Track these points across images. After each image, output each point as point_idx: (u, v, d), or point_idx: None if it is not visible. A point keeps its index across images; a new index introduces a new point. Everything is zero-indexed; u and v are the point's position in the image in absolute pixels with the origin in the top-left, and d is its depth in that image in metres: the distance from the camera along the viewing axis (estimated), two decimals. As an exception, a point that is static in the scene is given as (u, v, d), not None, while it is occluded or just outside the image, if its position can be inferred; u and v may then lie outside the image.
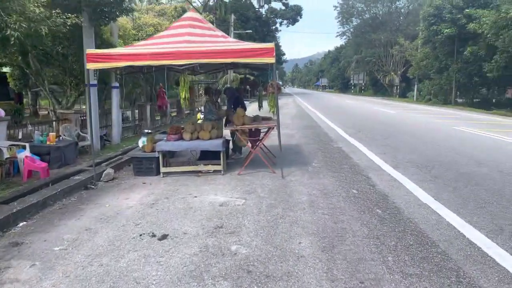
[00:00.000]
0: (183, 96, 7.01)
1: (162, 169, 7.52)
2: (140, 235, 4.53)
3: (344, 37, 73.61)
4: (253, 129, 7.60)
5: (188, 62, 6.72)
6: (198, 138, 7.74)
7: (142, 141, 8.09)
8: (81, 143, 10.42)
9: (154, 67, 7.23)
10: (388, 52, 55.24)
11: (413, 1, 54.43)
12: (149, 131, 8.49)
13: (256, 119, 8.34)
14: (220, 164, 7.55)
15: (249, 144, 8.28)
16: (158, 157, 7.50)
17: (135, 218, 5.11)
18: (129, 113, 16.36)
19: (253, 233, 4.48)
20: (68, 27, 8.52)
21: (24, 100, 26.13)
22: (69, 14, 8.20)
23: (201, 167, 7.60)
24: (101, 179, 7.25)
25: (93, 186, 6.82)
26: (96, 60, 6.67)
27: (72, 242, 4.36)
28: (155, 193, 6.38)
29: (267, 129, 7.98)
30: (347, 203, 5.51)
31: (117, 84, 12.98)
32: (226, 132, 8.43)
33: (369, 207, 5.31)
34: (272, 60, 6.70)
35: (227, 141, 8.51)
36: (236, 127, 7.53)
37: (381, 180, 6.74)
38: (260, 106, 9.67)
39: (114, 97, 12.96)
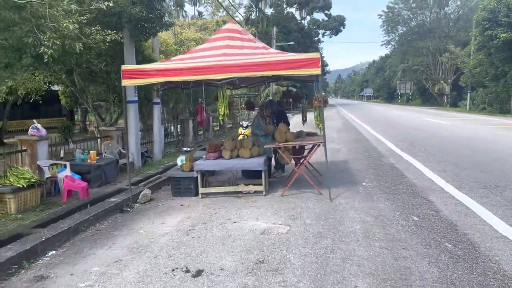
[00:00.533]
0: (222, 112, 6.57)
1: (201, 190, 7.10)
2: (173, 270, 4.05)
3: (389, 46, 71.51)
4: (297, 147, 7.01)
5: (226, 76, 6.29)
6: (238, 156, 7.28)
7: (180, 160, 7.74)
8: (122, 161, 10.29)
9: (192, 82, 6.86)
10: (437, 60, 52.77)
11: (464, 5, 51.83)
12: (188, 148, 8.13)
13: (300, 134, 7.76)
14: (261, 184, 7.01)
15: (293, 162, 7.69)
16: (197, 177, 7.09)
17: (169, 248, 4.66)
18: (172, 128, 16.32)
19: (299, 271, 3.87)
20: (108, 44, 8.44)
21: (76, 116, 27.16)
22: (109, 31, 8.11)
23: (242, 187, 7.10)
24: (138, 200, 6.93)
25: (128, 209, 6.50)
26: (131, 76, 6.40)
27: (99, 277, 3.96)
28: (192, 217, 5.93)
29: (312, 145, 7.37)
30: (408, 234, 4.76)
31: (159, 100, 12.89)
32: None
33: (435, 240, 4.54)
34: (317, 71, 6.12)
35: (269, 159, 7.97)
36: (278, 144, 6.97)
37: (446, 205, 5.90)
38: (304, 120, 9.07)
39: (155, 112, 12.88)
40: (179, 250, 4.59)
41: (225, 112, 6.61)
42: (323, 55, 69.54)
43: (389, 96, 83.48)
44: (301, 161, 7.62)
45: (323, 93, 8.27)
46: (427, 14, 57.99)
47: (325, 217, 5.54)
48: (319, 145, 6.83)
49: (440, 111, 40.39)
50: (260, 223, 5.47)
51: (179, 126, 16.43)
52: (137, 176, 8.97)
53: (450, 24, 55.76)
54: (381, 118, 27.74)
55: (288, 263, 4.07)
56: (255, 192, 7.10)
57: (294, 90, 9.17)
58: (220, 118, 6.64)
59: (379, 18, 64.13)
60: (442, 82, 52.41)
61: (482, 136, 14.79)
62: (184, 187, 7.26)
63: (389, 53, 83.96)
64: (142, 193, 7.04)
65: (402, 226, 5.02)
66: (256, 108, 9.06)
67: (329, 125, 21.13)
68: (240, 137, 12.12)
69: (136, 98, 10.81)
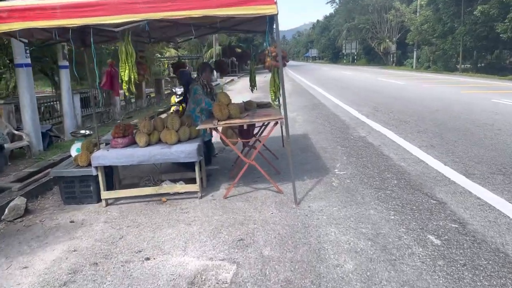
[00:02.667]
0: (126, 78, 4.17)
1: (104, 195, 4.76)
2: None
3: (334, 3, 69.88)
4: (245, 126, 4.82)
5: (128, 20, 3.88)
6: (160, 141, 5.01)
7: (76, 149, 5.28)
8: (13, 145, 7.63)
9: (71, 30, 4.31)
10: (383, 18, 51.90)
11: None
12: (86, 131, 5.61)
13: (248, 106, 5.58)
14: (195, 183, 4.82)
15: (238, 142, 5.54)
16: (97, 175, 4.74)
17: None
18: (98, 95, 13.36)
19: None
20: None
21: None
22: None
23: (166, 188, 4.86)
24: (3, 217, 4.49)
25: (-23, 239, 4.06)
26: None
27: None
28: (80, 248, 3.65)
29: (265, 123, 5.21)
30: (435, 277, 2.83)
31: (66, 63, 10.04)
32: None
33: (488, 291, 2.65)
34: (272, 8, 3.89)
35: (207, 143, 5.76)
36: (218, 124, 4.73)
37: (467, 209, 4.01)
38: (253, 86, 6.86)
39: (63, 80, 10.08)
40: None
41: (132, 77, 4.22)
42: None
43: (334, 56, 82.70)
44: (251, 144, 5.48)
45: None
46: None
47: (293, 243, 3.49)
48: (277, 122, 4.68)
49: (386, 70, 39.76)
50: (190, 259, 3.32)
51: (104, 94, 13.54)
52: (33, 166, 6.46)
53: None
54: (331, 80, 26.08)
55: None
56: (186, 193, 4.91)
57: (239, 50, 6.84)
58: (124, 88, 4.24)
59: (324, -26, 61.75)
60: (387, 40, 51.87)
61: (451, 98, 13.39)
62: (80, 190, 4.89)
63: (333, 12, 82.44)
64: (10, 205, 4.58)
65: (420, 259, 3.08)
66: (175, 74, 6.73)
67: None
68: (172, 109, 9.67)
69: (28, 61, 8.00)
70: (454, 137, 7.13)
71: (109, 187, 5.01)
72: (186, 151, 4.68)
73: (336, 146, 6.98)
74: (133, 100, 17.09)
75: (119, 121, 5.04)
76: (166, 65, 27.71)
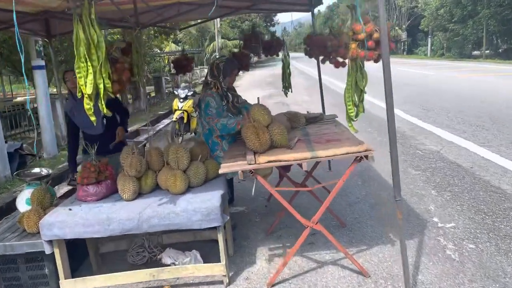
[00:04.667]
0: (88, 90, 2.20)
1: (65, 285, 2.81)
2: None
3: (338, -8, 67.26)
4: (304, 167, 2.81)
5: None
6: (158, 187, 3.06)
7: (24, 200, 3.30)
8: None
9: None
10: (391, 4, 49.44)
11: None
12: (43, 170, 3.53)
13: (293, 120, 3.59)
14: (220, 260, 2.84)
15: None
16: (53, 252, 2.78)
17: None
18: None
19: None
20: None
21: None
22: None
23: (169, 272, 2.88)
24: None
25: None
26: None
27: None
28: None
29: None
30: None
31: (42, 63, 8.07)
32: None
33: None
34: None
35: (229, 181, 3.79)
36: (256, 160, 2.74)
37: None
38: (287, 88, 4.87)
39: (39, 83, 8.12)
40: None
41: (101, 86, 2.25)
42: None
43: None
44: (299, 183, 3.51)
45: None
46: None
47: None
48: (362, 158, 2.66)
49: (398, 58, 37.50)
50: None
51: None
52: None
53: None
54: (343, 70, 23.89)
55: None
56: (206, 277, 2.95)
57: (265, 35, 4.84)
58: (87, 107, 2.26)
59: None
60: (397, 28, 49.48)
61: (504, 92, 11.24)
62: (28, 275, 2.94)
63: (336, 1, 79.82)
64: None
65: None
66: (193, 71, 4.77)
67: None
68: (176, 115, 7.69)
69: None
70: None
71: (76, 265, 3.07)
72: (203, 209, 2.71)
73: (406, 169, 4.99)
74: (130, 102, 15.18)
75: (89, 157, 3.02)
76: (166, 61, 25.70)
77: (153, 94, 18.59)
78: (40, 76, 8.15)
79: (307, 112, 4.19)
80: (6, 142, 7.18)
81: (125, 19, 3.89)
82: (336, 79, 14.99)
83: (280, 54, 4.92)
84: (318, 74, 5.28)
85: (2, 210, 5.06)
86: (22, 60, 2.02)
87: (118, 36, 10.32)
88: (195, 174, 3.02)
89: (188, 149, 3.10)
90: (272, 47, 4.77)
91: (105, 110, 2.33)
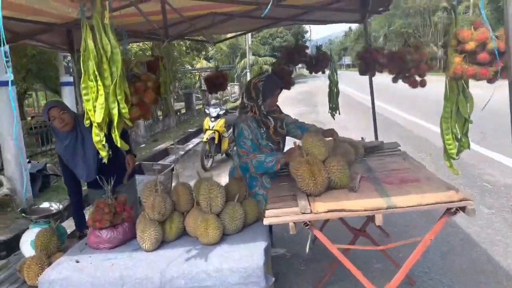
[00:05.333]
0: (99, 118, 1.67)
1: None
2: None
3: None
4: (378, 221, 2.21)
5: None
6: (185, 232, 2.48)
7: (29, 243, 2.79)
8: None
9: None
10: (426, 20, 48.22)
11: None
12: (52, 205, 3.02)
13: (347, 156, 2.94)
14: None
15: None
16: (55, 315, 2.23)
17: None
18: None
19: None
20: None
21: None
22: None
23: None
24: None
25: None
26: None
27: None
28: None
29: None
30: None
31: (71, 79, 7.82)
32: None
33: None
34: None
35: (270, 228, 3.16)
36: (311, 207, 2.12)
37: None
38: (334, 110, 4.25)
39: (66, 100, 7.86)
40: None
41: (115, 113, 1.71)
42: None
43: (371, 63, 78.98)
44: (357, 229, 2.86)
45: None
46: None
47: None
48: (452, 210, 1.98)
49: (434, 76, 36.09)
50: None
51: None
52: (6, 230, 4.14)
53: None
54: (389, 90, 22.98)
55: None
56: None
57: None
58: (95, 139, 1.74)
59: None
60: (432, 45, 48.12)
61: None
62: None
63: (371, 19, 79.01)
64: None
65: None
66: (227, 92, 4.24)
67: (320, 102, 16.24)
68: (206, 136, 7.19)
69: (7, 78, 5.80)
70: None
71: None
72: (241, 269, 2.09)
73: (477, 206, 4.20)
74: (160, 118, 14.92)
75: (98, 193, 2.46)
76: (197, 77, 25.62)
77: (183, 111, 18.34)
78: (68, 93, 7.91)
79: (362, 138, 3.54)
80: (29, 162, 6.87)
81: (153, 31, 3.40)
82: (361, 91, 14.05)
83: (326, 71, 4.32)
84: (371, 93, 4.63)
85: (18, 239, 4.64)
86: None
87: (149, 51, 10.02)
88: (231, 219, 2.42)
89: (223, 188, 2.51)
90: (319, 62, 4.16)
91: (119, 143, 1.78)
